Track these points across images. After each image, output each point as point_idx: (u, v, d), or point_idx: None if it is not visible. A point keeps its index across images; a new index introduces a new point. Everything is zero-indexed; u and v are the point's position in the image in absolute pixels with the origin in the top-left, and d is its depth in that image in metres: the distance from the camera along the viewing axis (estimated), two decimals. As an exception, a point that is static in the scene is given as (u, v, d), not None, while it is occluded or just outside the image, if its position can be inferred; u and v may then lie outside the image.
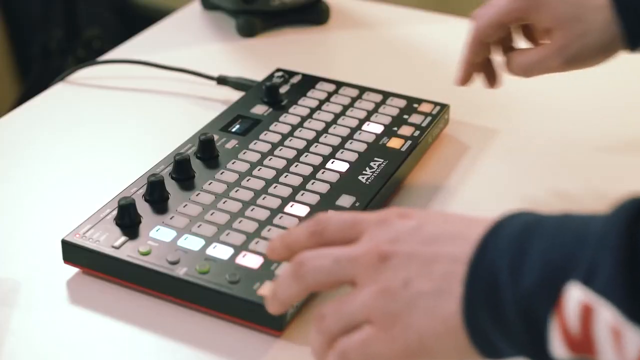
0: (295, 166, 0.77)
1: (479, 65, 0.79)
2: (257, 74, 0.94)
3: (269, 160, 0.78)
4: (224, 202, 0.72)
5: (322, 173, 0.76)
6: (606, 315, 0.43)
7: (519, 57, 0.76)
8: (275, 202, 0.73)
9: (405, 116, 0.85)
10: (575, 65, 0.74)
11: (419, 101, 0.87)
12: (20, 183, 0.81)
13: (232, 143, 0.80)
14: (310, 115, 0.85)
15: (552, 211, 0.49)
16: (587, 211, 0.48)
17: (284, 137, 0.82)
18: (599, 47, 0.72)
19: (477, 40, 0.77)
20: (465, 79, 0.79)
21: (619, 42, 0.71)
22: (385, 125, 0.84)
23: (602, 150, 0.86)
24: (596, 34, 0.71)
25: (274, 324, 0.63)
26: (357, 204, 0.73)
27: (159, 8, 1.90)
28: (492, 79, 0.80)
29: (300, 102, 0.87)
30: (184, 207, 0.72)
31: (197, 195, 0.73)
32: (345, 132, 0.83)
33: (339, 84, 0.91)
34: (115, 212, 0.70)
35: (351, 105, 0.87)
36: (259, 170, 0.77)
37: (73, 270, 0.70)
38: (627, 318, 0.43)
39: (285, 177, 0.76)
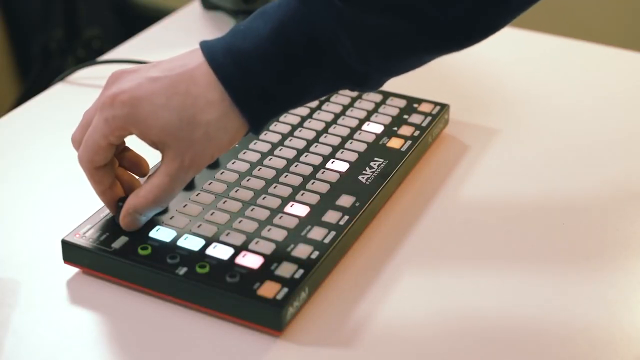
0: (295, 166, 0.77)
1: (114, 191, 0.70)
2: (257, 74, 0.94)
3: (269, 160, 0.78)
4: (224, 202, 0.72)
5: (322, 173, 0.76)
6: None
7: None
8: (275, 202, 0.73)
9: (405, 116, 0.85)
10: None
11: (419, 101, 0.87)
12: (20, 183, 0.81)
13: (232, 143, 0.80)
14: (310, 115, 0.85)
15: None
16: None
17: (284, 137, 0.82)
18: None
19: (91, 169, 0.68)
20: (114, 210, 0.69)
21: None
22: (385, 125, 0.84)
23: (602, 150, 0.86)
24: None
25: (274, 324, 0.63)
26: (357, 204, 0.73)
27: (159, 8, 1.90)
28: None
29: (300, 102, 0.87)
30: (184, 206, 0.72)
31: (197, 195, 0.73)
32: (345, 132, 0.83)
33: (339, 84, 0.90)
34: (115, 212, 0.70)
35: (351, 105, 0.87)
36: (259, 170, 0.77)
37: (73, 270, 0.70)
38: None
39: (285, 177, 0.76)
